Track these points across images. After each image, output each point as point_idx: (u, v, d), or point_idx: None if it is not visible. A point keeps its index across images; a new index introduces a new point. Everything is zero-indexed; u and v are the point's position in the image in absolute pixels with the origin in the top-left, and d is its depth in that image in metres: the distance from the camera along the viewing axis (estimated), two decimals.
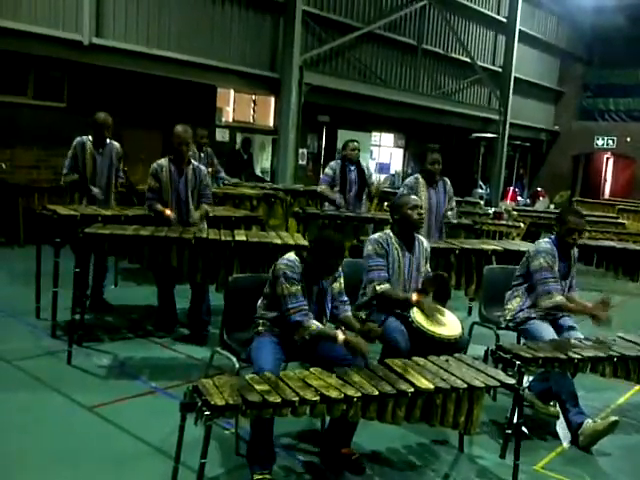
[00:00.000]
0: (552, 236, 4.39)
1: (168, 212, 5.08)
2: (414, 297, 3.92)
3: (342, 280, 3.61)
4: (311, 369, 2.97)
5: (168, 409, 3.65)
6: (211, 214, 5.63)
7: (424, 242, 4.29)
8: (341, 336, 3.21)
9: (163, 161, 5.12)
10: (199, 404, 2.55)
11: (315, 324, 3.29)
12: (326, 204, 7.46)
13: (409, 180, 5.99)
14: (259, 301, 3.50)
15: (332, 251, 3.36)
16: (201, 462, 2.65)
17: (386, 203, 9.22)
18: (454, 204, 6.23)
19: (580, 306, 4.24)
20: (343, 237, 3.65)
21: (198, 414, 2.55)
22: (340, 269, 3.58)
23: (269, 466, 3.09)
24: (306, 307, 3.32)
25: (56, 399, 3.93)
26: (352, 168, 7.19)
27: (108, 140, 5.74)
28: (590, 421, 3.83)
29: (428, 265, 4.29)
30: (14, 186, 8.48)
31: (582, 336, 4.04)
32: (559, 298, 4.17)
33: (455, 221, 6.41)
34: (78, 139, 5.68)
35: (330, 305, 3.54)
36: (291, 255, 3.45)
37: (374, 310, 4.04)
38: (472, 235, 7.43)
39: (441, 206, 5.96)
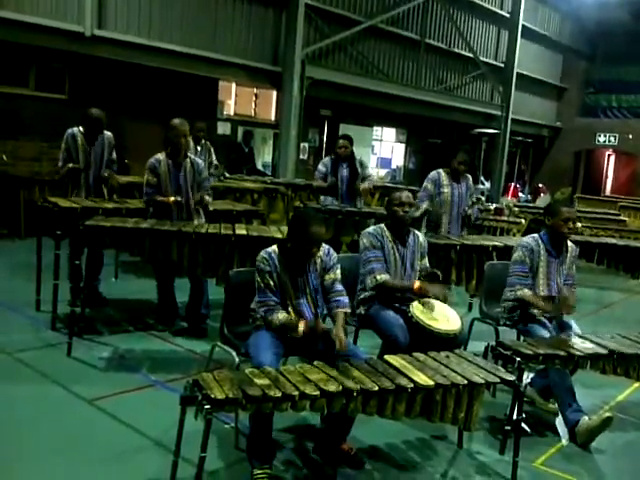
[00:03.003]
0: (541, 232, 4.38)
1: (172, 198, 5.01)
2: (415, 284, 3.96)
3: (338, 271, 3.58)
4: (315, 362, 2.97)
5: (168, 402, 3.64)
6: (212, 208, 5.62)
7: (420, 237, 4.29)
8: (301, 327, 3.26)
9: (160, 156, 5.08)
10: (199, 398, 2.55)
11: (278, 317, 3.30)
12: (322, 197, 7.49)
13: (432, 174, 6.13)
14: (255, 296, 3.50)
15: (306, 232, 3.32)
16: (201, 456, 2.65)
17: (387, 198, 9.20)
18: (475, 199, 6.34)
19: (542, 303, 4.19)
20: (318, 216, 3.57)
21: (198, 408, 2.55)
22: (335, 259, 3.58)
23: (269, 461, 3.08)
24: (272, 302, 3.34)
25: (56, 391, 3.94)
26: (344, 165, 7.20)
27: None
28: (586, 418, 3.83)
29: (426, 260, 4.29)
30: (15, 178, 8.47)
31: (580, 333, 4.03)
32: (521, 292, 4.19)
33: (478, 214, 6.49)
34: (69, 131, 5.63)
35: (321, 297, 3.51)
36: (270, 247, 3.45)
37: (374, 303, 4.05)
38: (473, 231, 7.43)
39: (463, 201, 6.12)
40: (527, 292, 4.21)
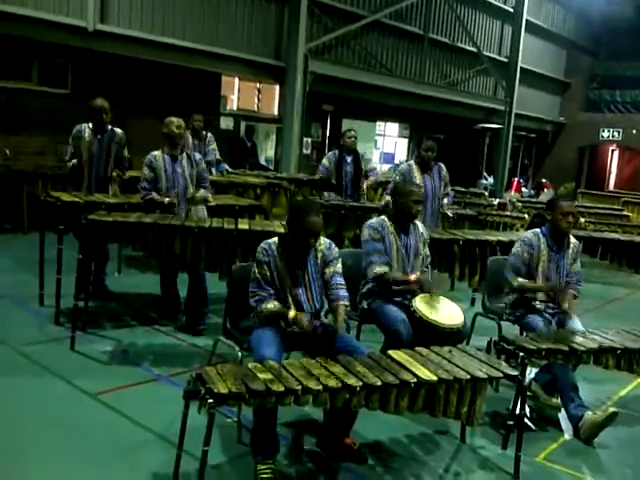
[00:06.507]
0: (543, 227, 4.39)
1: (167, 199, 5.06)
2: (412, 277, 3.99)
3: (339, 264, 3.57)
4: (317, 358, 2.97)
5: (171, 397, 3.64)
6: (215, 202, 5.62)
7: (420, 226, 4.31)
8: (291, 313, 3.30)
9: (156, 152, 5.18)
10: (202, 392, 2.56)
11: (266, 306, 3.32)
12: (325, 194, 7.49)
13: (402, 167, 6.09)
14: None
15: (304, 223, 3.32)
16: (204, 450, 2.66)
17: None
18: (449, 189, 6.29)
19: (541, 285, 4.26)
20: (316, 206, 3.55)
21: (201, 402, 2.55)
22: (337, 253, 3.57)
23: (273, 455, 3.08)
24: (264, 293, 3.35)
25: (59, 385, 3.95)
26: (349, 160, 7.20)
27: (109, 127, 5.72)
28: (590, 413, 3.83)
29: (427, 249, 4.29)
30: (18, 173, 8.44)
31: (583, 329, 4.03)
32: (516, 282, 4.25)
33: (451, 213, 6.48)
34: (77, 126, 5.67)
35: (319, 290, 3.51)
36: (271, 239, 3.47)
37: (376, 297, 4.05)
38: (476, 226, 7.42)
39: (437, 192, 6.08)
40: (522, 279, 4.25)
